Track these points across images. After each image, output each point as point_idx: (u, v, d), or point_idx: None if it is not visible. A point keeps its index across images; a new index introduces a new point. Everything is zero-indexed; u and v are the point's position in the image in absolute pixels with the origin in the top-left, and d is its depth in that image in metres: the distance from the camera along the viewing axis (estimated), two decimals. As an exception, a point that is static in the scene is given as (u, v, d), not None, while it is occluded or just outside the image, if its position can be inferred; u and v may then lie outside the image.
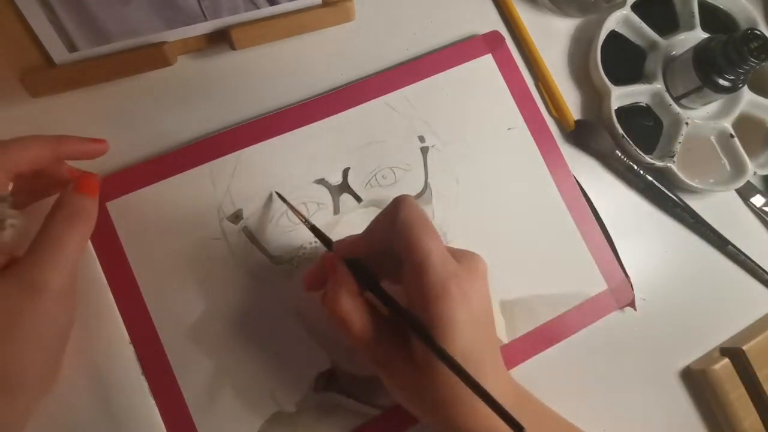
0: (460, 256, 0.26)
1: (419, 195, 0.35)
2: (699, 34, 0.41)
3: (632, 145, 0.38)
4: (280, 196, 0.33)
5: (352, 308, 0.25)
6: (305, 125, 0.35)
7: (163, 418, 0.30)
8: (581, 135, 0.39)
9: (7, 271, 0.25)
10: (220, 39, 0.34)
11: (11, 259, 0.26)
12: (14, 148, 0.26)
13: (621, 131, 0.38)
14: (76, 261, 0.26)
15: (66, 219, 0.26)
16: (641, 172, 0.39)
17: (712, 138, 0.41)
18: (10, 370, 0.24)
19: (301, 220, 0.31)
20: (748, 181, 0.40)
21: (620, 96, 0.39)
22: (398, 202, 0.25)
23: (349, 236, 0.29)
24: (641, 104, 0.41)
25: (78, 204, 0.27)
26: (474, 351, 0.24)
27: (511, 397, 0.27)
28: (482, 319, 0.25)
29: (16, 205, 0.27)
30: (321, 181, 0.34)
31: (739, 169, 0.40)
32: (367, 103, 0.36)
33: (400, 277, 0.26)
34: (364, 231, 0.27)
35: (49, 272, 0.25)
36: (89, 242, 0.31)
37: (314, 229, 0.30)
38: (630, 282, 0.37)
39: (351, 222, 0.34)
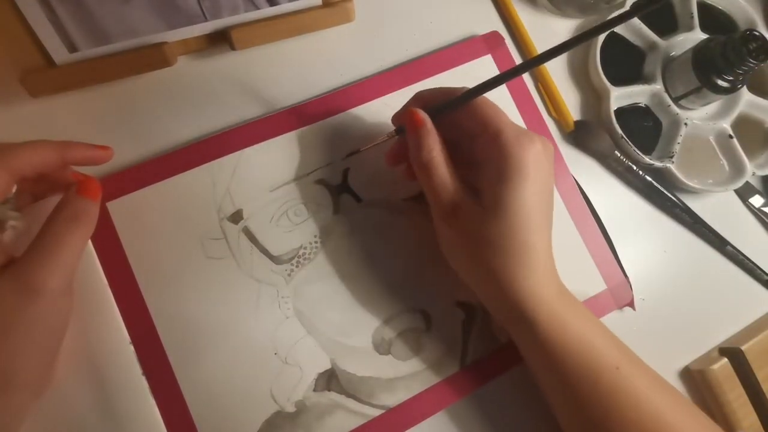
0: (527, 133, 0.29)
1: (419, 195, 0.35)
2: (698, 35, 0.41)
3: (631, 146, 0.38)
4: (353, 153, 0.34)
5: (438, 155, 0.29)
6: (305, 126, 0.35)
7: (163, 418, 0.30)
8: (580, 135, 0.39)
9: (5, 271, 0.25)
10: (221, 39, 0.34)
11: (10, 259, 0.26)
12: (22, 152, 0.26)
13: (620, 132, 0.38)
14: (75, 263, 0.26)
15: (67, 221, 0.26)
16: (640, 172, 0.39)
17: (711, 138, 0.41)
18: (4, 369, 0.24)
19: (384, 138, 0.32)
20: (747, 182, 0.40)
21: (619, 97, 0.39)
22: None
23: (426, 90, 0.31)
24: (640, 105, 0.41)
25: (80, 206, 0.27)
26: (536, 211, 0.27)
27: (555, 286, 0.29)
28: (544, 197, 0.28)
29: (17, 207, 0.27)
30: (321, 182, 0.34)
31: (737, 169, 0.40)
32: (367, 103, 0.36)
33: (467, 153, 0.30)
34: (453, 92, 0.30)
35: (47, 273, 0.25)
36: (89, 242, 0.31)
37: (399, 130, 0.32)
38: (629, 282, 0.37)
39: (351, 222, 0.34)
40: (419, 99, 0.31)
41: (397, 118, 0.33)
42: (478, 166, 0.29)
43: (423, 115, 0.29)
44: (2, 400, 0.25)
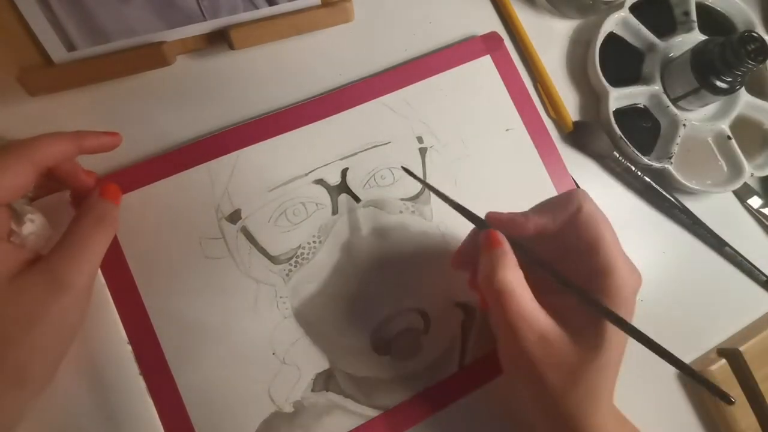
0: (628, 258, 0.27)
1: (417, 196, 0.35)
2: (696, 36, 0.41)
3: (630, 147, 0.38)
4: (409, 172, 0.32)
5: (517, 279, 0.26)
6: (304, 125, 0.35)
7: (160, 418, 0.30)
8: (579, 136, 0.39)
9: (34, 267, 0.25)
10: (219, 39, 0.34)
11: (36, 255, 0.27)
12: (42, 143, 0.27)
13: (619, 132, 0.38)
14: (99, 262, 0.27)
15: (94, 221, 0.27)
16: (639, 173, 0.39)
17: (710, 140, 0.41)
18: (25, 361, 0.25)
19: (444, 199, 0.30)
20: (745, 183, 0.40)
21: (618, 97, 0.39)
22: (581, 194, 0.26)
23: (501, 213, 0.29)
24: (639, 106, 0.41)
25: (104, 208, 0.28)
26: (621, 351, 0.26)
27: (613, 418, 0.28)
28: (630, 319, 0.26)
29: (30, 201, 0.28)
30: (320, 182, 0.34)
31: (736, 170, 0.40)
32: (366, 103, 0.36)
33: (558, 265, 0.27)
34: (529, 212, 0.28)
35: (76, 271, 0.26)
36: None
37: (461, 209, 0.29)
38: (628, 283, 0.37)
39: (350, 222, 0.34)
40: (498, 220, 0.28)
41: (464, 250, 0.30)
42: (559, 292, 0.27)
43: (501, 237, 0.27)
44: (16, 393, 0.25)
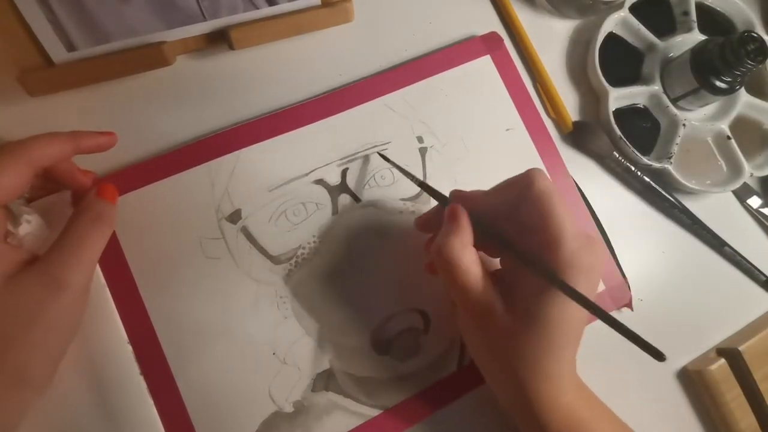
0: (582, 230, 0.27)
1: (417, 196, 0.35)
2: (696, 36, 0.41)
3: (630, 147, 0.38)
4: (383, 156, 0.34)
5: (468, 255, 0.26)
6: (304, 126, 0.35)
7: (161, 418, 0.30)
8: (579, 136, 0.39)
9: (32, 267, 0.25)
10: (219, 39, 0.34)
11: (33, 256, 0.27)
12: (39, 144, 0.27)
13: (619, 132, 0.38)
14: (96, 262, 0.27)
15: (91, 221, 0.27)
16: (639, 173, 0.39)
17: (709, 139, 0.41)
18: (24, 362, 0.25)
19: (411, 178, 0.32)
20: (745, 183, 0.40)
21: (618, 97, 0.39)
22: (534, 172, 0.27)
23: (466, 191, 0.30)
24: (639, 106, 0.41)
25: (101, 208, 0.28)
26: (576, 323, 0.26)
27: (574, 389, 0.28)
28: (592, 296, 0.26)
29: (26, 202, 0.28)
30: (320, 182, 0.34)
31: (735, 170, 0.40)
32: (366, 103, 0.36)
33: (515, 239, 0.27)
34: (489, 190, 0.29)
35: (73, 270, 0.26)
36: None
37: (425, 186, 0.31)
38: (627, 283, 0.37)
39: (350, 222, 0.34)
40: (460, 197, 0.30)
41: (424, 218, 0.32)
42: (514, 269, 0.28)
43: (461, 211, 0.28)
44: (15, 394, 0.25)
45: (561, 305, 0.25)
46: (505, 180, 0.29)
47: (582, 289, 0.25)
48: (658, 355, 0.23)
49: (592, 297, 0.26)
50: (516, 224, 0.28)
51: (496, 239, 0.28)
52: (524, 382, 0.27)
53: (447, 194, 0.31)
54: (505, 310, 0.27)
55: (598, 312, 0.24)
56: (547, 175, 0.27)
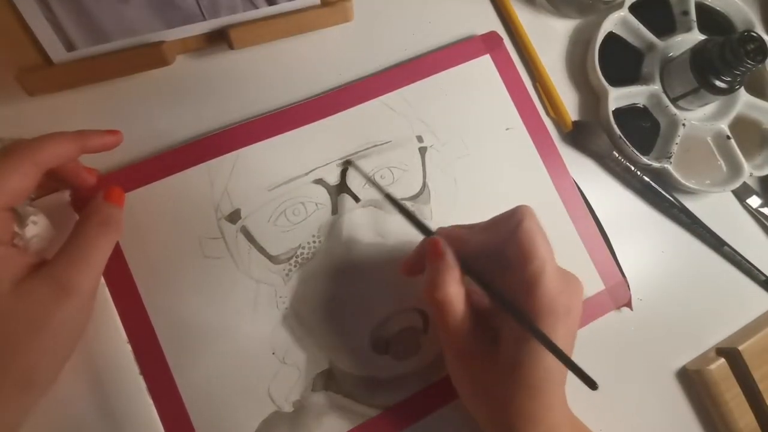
0: (563, 272, 0.27)
1: (417, 195, 0.35)
2: (696, 36, 0.41)
3: (629, 146, 0.38)
4: (357, 168, 0.34)
5: (456, 295, 0.26)
6: (304, 125, 0.35)
7: (160, 418, 0.30)
8: (579, 136, 0.39)
9: (39, 272, 0.25)
10: (219, 39, 0.34)
11: (40, 258, 0.26)
12: (45, 144, 0.26)
13: (618, 132, 0.38)
14: (104, 266, 0.27)
15: (98, 225, 0.27)
16: (638, 173, 0.39)
17: (709, 139, 0.41)
18: (32, 366, 0.25)
19: (398, 208, 0.32)
20: (745, 183, 0.40)
21: (618, 97, 0.39)
22: (523, 210, 0.27)
23: (451, 227, 0.30)
24: (638, 105, 0.41)
25: (109, 212, 0.28)
26: (558, 370, 0.25)
27: (566, 425, 0.28)
28: (571, 339, 0.26)
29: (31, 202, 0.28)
30: (319, 181, 0.34)
31: (735, 170, 0.40)
32: (366, 103, 0.36)
33: (499, 278, 0.27)
34: (476, 227, 0.29)
35: (81, 274, 0.26)
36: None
37: (411, 218, 0.31)
38: (627, 282, 0.37)
39: (350, 222, 0.34)
40: (444, 234, 0.29)
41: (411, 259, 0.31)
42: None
43: (445, 248, 0.27)
44: (22, 398, 0.25)
45: (542, 352, 0.25)
46: (492, 218, 0.28)
47: (560, 334, 0.25)
48: (591, 384, 0.24)
49: (570, 340, 0.26)
50: (502, 260, 0.27)
51: (477, 280, 0.27)
52: (513, 427, 0.26)
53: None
54: (490, 356, 0.27)
55: (570, 364, 0.24)
56: (534, 213, 0.27)
